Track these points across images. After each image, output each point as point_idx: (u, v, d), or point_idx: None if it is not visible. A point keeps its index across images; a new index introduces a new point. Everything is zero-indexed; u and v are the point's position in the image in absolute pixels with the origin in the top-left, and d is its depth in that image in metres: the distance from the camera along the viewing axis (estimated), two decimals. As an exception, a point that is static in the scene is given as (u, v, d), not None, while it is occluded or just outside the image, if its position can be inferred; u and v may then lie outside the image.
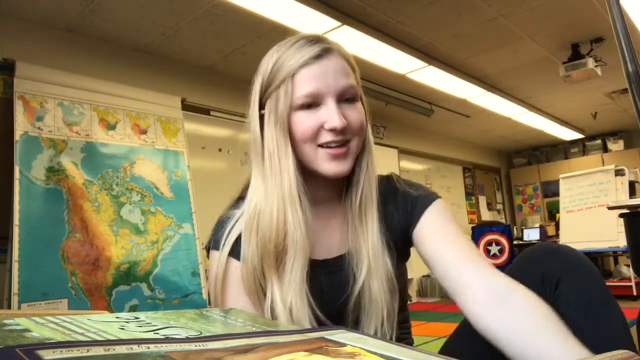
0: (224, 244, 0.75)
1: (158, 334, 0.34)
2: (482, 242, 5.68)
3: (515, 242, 5.85)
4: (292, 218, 0.71)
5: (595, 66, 3.84)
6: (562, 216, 5.43)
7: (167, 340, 0.32)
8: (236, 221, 0.77)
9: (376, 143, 0.83)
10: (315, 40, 0.74)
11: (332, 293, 0.75)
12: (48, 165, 2.51)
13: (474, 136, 6.79)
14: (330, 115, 0.71)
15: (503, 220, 7.43)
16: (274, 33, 3.18)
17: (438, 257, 0.71)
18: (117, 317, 0.39)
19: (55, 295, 2.35)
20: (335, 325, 0.53)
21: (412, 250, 0.83)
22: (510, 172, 8.03)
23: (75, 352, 0.26)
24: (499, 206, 7.66)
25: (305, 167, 0.75)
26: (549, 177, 7.38)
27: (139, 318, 0.39)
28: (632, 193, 4.91)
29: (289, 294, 0.69)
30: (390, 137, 5.51)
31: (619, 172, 5.00)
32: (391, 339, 0.75)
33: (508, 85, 4.73)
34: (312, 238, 0.73)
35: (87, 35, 3.11)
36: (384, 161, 5.23)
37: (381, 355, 0.33)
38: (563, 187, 5.45)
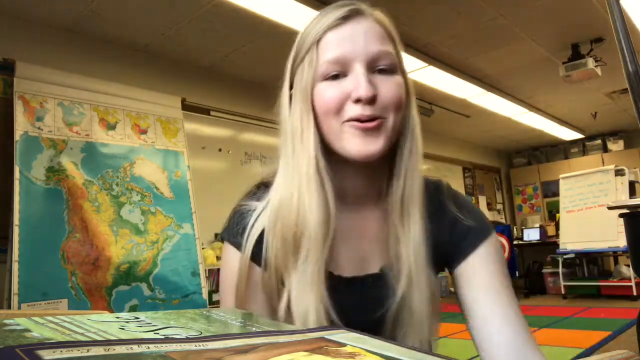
0: (245, 244, 0.64)
1: (158, 334, 0.34)
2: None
3: (515, 242, 5.86)
4: (307, 202, 0.60)
5: (595, 66, 3.84)
6: (562, 216, 5.44)
7: (167, 340, 0.32)
8: (258, 215, 0.65)
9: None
10: (345, 4, 0.64)
11: (361, 311, 0.64)
12: (48, 165, 2.51)
13: (474, 136, 6.79)
14: (356, 82, 0.59)
15: (503, 220, 7.44)
16: (274, 33, 3.18)
17: (481, 320, 0.62)
18: (117, 317, 0.39)
19: (55, 295, 2.35)
20: None
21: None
22: (510, 172, 8.03)
23: (75, 352, 0.26)
24: (499, 206, 7.67)
25: (330, 149, 0.63)
26: (549, 177, 7.39)
27: (139, 318, 0.39)
28: (632, 193, 4.91)
29: (303, 296, 0.60)
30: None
31: (619, 172, 5.00)
32: None
33: (508, 85, 4.73)
34: (335, 230, 0.62)
35: (87, 35, 3.11)
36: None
37: (381, 355, 0.33)
38: (563, 187, 5.46)
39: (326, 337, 0.38)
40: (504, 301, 0.62)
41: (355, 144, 0.60)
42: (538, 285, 5.82)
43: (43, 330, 0.32)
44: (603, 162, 6.70)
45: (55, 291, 2.35)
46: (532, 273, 5.92)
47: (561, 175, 5.61)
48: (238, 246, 0.66)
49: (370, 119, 0.60)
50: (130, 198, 2.78)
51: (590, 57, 3.81)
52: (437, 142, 6.43)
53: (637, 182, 5.18)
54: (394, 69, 0.63)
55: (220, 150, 3.80)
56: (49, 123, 2.61)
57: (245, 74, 3.93)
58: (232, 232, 0.67)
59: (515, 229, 7.05)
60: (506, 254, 5.15)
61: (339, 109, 0.61)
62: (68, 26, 2.99)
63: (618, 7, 0.81)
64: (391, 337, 0.63)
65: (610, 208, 1.55)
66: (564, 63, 3.91)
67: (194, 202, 3.06)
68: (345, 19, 0.62)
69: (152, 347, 0.29)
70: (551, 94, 5.09)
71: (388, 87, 0.61)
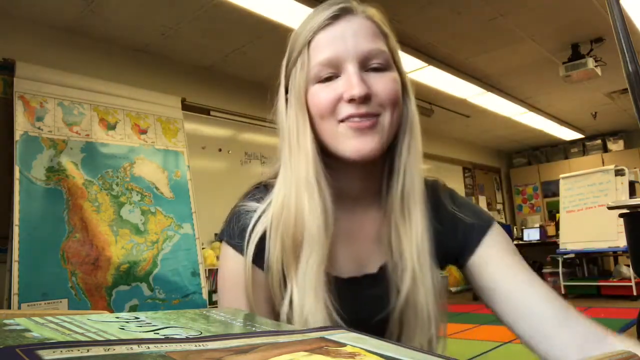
0: (246, 248, 0.63)
1: (158, 334, 0.34)
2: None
3: (515, 242, 5.85)
4: (308, 207, 0.60)
5: (595, 66, 3.84)
6: (562, 216, 5.43)
7: (167, 340, 0.32)
8: (259, 218, 0.65)
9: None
10: (335, 2, 0.63)
11: (364, 312, 0.63)
12: (48, 165, 2.52)
13: (474, 136, 6.79)
14: (349, 82, 0.59)
15: (503, 220, 7.44)
16: (274, 33, 3.18)
17: (513, 301, 0.60)
18: (117, 317, 0.39)
19: (55, 295, 2.35)
20: None
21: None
22: (510, 172, 8.03)
23: (75, 352, 0.26)
24: (499, 206, 7.67)
25: (328, 151, 0.63)
26: (549, 177, 7.39)
27: (139, 318, 0.39)
28: (632, 193, 4.91)
29: (305, 296, 0.59)
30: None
31: (619, 172, 5.00)
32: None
33: (508, 85, 4.73)
34: (333, 232, 0.62)
35: (87, 35, 3.11)
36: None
37: (381, 355, 0.33)
38: (563, 187, 5.45)
39: (326, 337, 0.38)
40: (525, 273, 0.61)
41: (351, 144, 0.60)
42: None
43: (43, 330, 0.32)
44: (603, 162, 6.70)
45: (55, 291, 2.35)
46: (532, 273, 5.91)
47: (561, 175, 5.61)
48: (236, 247, 0.65)
49: (366, 117, 0.59)
50: (130, 198, 2.78)
51: (590, 57, 3.81)
52: (437, 142, 6.43)
53: (637, 182, 5.17)
54: (388, 65, 0.62)
55: (220, 150, 3.80)
56: (49, 123, 2.61)
57: (245, 74, 3.93)
58: (231, 233, 0.66)
59: (515, 229, 7.05)
60: (506, 254, 5.15)
61: (333, 110, 0.60)
62: (68, 26, 2.99)
63: (618, 7, 0.81)
64: (398, 336, 0.63)
65: (610, 208, 1.55)
66: (564, 63, 3.91)
67: (194, 202, 3.06)
68: (334, 18, 0.61)
69: (152, 347, 0.29)
70: (551, 94, 5.09)
71: (382, 84, 0.61)
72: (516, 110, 5.40)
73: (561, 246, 5.28)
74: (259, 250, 0.63)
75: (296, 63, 0.63)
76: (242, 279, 0.63)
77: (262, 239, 0.64)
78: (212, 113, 3.79)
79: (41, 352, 0.25)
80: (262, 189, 0.69)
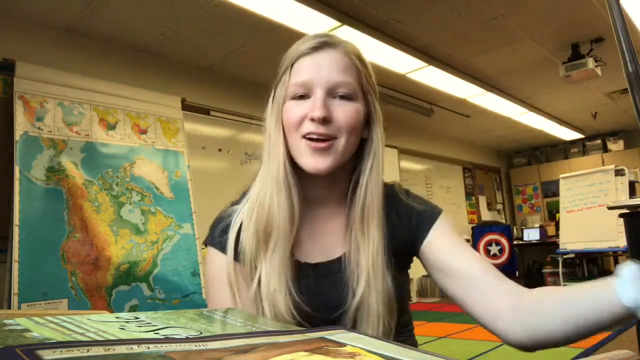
0: (227, 243, 0.73)
1: (158, 334, 0.34)
2: (482, 242, 5.68)
3: (515, 242, 5.86)
4: (276, 203, 0.71)
5: (595, 66, 3.84)
6: (562, 216, 5.43)
7: (167, 340, 0.32)
8: (236, 216, 0.75)
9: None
10: (322, 35, 0.74)
11: (326, 298, 0.72)
12: (48, 165, 2.51)
13: (474, 136, 6.79)
14: (314, 104, 0.69)
15: (503, 220, 7.44)
16: (274, 33, 3.18)
17: (454, 271, 0.72)
18: (117, 317, 0.39)
19: (55, 295, 2.35)
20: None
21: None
22: (510, 172, 8.03)
23: (75, 352, 0.26)
24: (499, 206, 7.67)
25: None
26: (549, 177, 7.39)
27: (139, 318, 0.39)
28: (632, 193, 4.91)
29: (271, 278, 0.69)
30: (390, 137, 5.51)
31: (619, 172, 5.00)
32: None
33: (508, 85, 4.73)
34: (301, 226, 0.73)
35: (87, 35, 3.11)
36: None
37: (381, 355, 0.33)
38: (563, 187, 5.45)
39: (326, 337, 0.38)
40: (467, 252, 0.73)
41: (308, 161, 0.70)
42: (538, 285, 5.79)
43: (43, 330, 0.32)
44: (603, 162, 6.70)
45: (55, 291, 2.35)
46: (532, 273, 5.92)
47: (561, 175, 5.61)
48: (217, 246, 0.75)
49: (322, 139, 0.69)
50: (130, 198, 2.78)
51: (590, 57, 3.81)
52: (437, 142, 6.43)
53: (637, 182, 5.17)
54: (353, 96, 0.72)
55: (220, 150, 3.80)
56: (49, 123, 2.61)
57: (245, 74, 3.93)
58: (214, 236, 0.76)
59: (515, 229, 7.05)
60: (506, 254, 5.16)
61: (298, 126, 0.71)
62: (68, 26, 2.99)
63: (618, 7, 0.81)
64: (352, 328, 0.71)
65: (610, 208, 1.55)
66: (564, 63, 3.91)
67: (194, 202, 3.06)
68: (316, 49, 0.72)
69: (152, 347, 0.29)
70: (551, 94, 5.09)
71: (343, 111, 0.70)
72: (516, 110, 5.40)
73: (561, 246, 5.28)
74: (237, 245, 0.73)
75: (280, 80, 0.74)
76: (225, 275, 0.72)
77: (239, 233, 0.73)
78: (212, 113, 3.79)
79: (41, 352, 0.25)
80: (243, 196, 0.79)
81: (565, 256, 5.33)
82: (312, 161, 0.70)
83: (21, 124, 2.49)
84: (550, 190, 7.36)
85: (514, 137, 7.00)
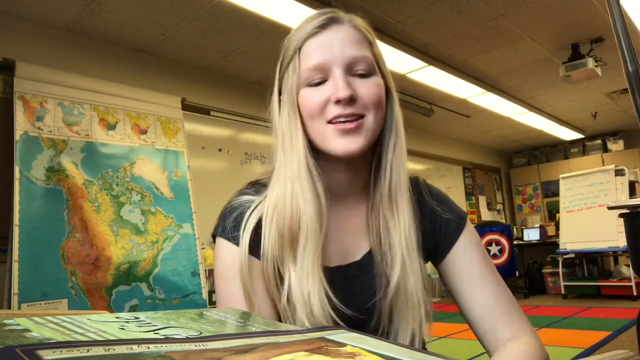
0: (242, 237, 0.67)
1: (158, 334, 0.34)
2: (482, 242, 5.67)
3: (515, 242, 5.86)
4: (303, 199, 0.65)
5: (595, 66, 3.84)
6: (562, 216, 5.44)
7: (167, 340, 0.32)
8: (254, 209, 0.69)
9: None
10: (325, 12, 0.69)
11: (355, 298, 0.68)
12: (48, 165, 2.51)
13: (474, 136, 6.79)
14: (335, 85, 0.64)
15: (503, 220, 7.44)
16: (274, 33, 3.18)
17: (469, 297, 0.69)
18: (117, 317, 0.39)
19: (55, 295, 2.35)
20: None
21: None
22: (510, 172, 8.03)
23: (75, 352, 0.26)
24: (499, 206, 7.67)
25: (318, 149, 0.68)
26: (549, 177, 7.39)
27: (139, 318, 0.39)
28: (632, 193, 4.91)
29: (304, 282, 0.63)
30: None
31: (619, 172, 5.00)
32: (424, 346, 0.71)
33: (508, 85, 4.73)
34: (327, 222, 0.67)
35: (87, 35, 3.11)
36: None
37: (381, 355, 0.33)
38: (563, 187, 5.46)
39: (326, 337, 0.38)
40: (489, 281, 0.69)
41: (339, 143, 0.65)
42: (538, 285, 5.82)
43: (43, 330, 0.32)
44: (603, 162, 6.70)
45: (55, 291, 2.35)
46: (532, 273, 5.92)
47: (561, 175, 5.61)
48: (231, 240, 0.69)
49: (351, 119, 0.64)
50: (130, 198, 2.78)
51: (590, 57, 3.81)
52: (437, 142, 6.43)
53: (637, 182, 5.18)
54: (372, 71, 0.67)
55: (220, 150, 3.80)
56: (49, 123, 2.61)
57: (245, 74, 3.93)
58: (225, 227, 0.70)
59: (515, 229, 7.05)
60: (506, 254, 5.15)
61: (322, 112, 0.65)
62: (68, 26, 2.99)
63: (618, 7, 0.81)
64: (389, 321, 0.68)
65: (610, 208, 1.55)
66: (564, 63, 3.91)
67: (194, 202, 3.06)
68: (323, 27, 0.67)
69: (152, 347, 0.29)
70: (551, 94, 5.09)
71: (366, 88, 0.66)
72: (516, 110, 5.40)
73: (561, 246, 5.28)
74: (252, 240, 0.67)
75: (288, 68, 0.68)
76: (238, 269, 0.66)
77: (256, 230, 0.68)
78: (212, 113, 3.79)
79: (41, 352, 0.25)
80: (257, 187, 0.74)
81: (565, 256, 5.33)
82: (343, 142, 0.65)
83: (21, 124, 2.49)
84: (550, 190, 7.36)
85: (514, 137, 7.00)
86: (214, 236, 0.73)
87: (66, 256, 2.44)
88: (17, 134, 2.45)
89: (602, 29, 3.58)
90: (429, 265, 0.77)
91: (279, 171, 0.69)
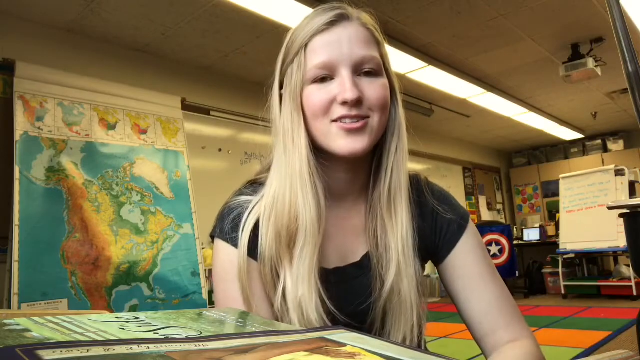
0: (240, 238, 0.66)
1: (158, 334, 0.34)
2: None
3: (515, 242, 5.86)
4: (302, 200, 0.64)
5: (595, 66, 3.84)
6: (562, 216, 5.44)
7: (167, 340, 0.32)
8: (252, 210, 0.68)
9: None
10: (333, 7, 0.67)
11: (351, 299, 0.67)
12: (48, 165, 2.51)
13: (474, 136, 6.79)
14: (342, 86, 0.63)
15: (503, 220, 7.44)
16: (274, 33, 3.18)
17: (468, 298, 0.68)
18: (117, 317, 0.39)
19: (55, 295, 2.35)
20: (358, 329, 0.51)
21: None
22: (510, 172, 8.03)
23: (75, 352, 0.26)
24: (499, 206, 7.67)
25: (320, 148, 0.67)
26: (549, 177, 7.39)
27: (139, 318, 0.39)
28: (632, 193, 4.91)
29: (299, 284, 0.62)
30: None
31: (619, 172, 5.00)
32: (419, 345, 0.71)
33: (508, 85, 4.73)
34: (325, 223, 0.66)
35: (87, 35, 3.11)
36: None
37: (381, 355, 0.33)
38: (563, 187, 5.45)
39: (326, 337, 0.38)
40: (489, 284, 0.69)
41: (343, 143, 0.64)
42: (538, 285, 5.82)
43: (43, 330, 0.32)
44: (603, 162, 6.70)
45: (55, 291, 2.35)
46: (532, 273, 5.92)
47: (561, 175, 5.61)
48: (229, 241, 0.68)
49: (356, 119, 0.63)
50: (130, 198, 2.78)
51: (590, 57, 3.81)
52: (437, 142, 6.43)
53: (637, 182, 5.18)
54: (379, 71, 0.66)
55: (220, 150, 3.80)
56: (49, 123, 2.61)
57: (245, 74, 3.93)
58: (223, 228, 0.69)
59: (515, 229, 7.05)
60: (506, 254, 5.15)
61: (326, 111, 0.64)
62: (68, 26, 2.99)
63: (618, 7, 0.81)
64: (382, 323, 0.67)
65: (610, 208, 1.55)
66: (564, 63, 3.91)
67: (194, 202, 3.06)
68: (331, 23, 0.65)
69: (152, 347, 0.29)
70: (551, 93, 5.09)
71: (373, 89, 0.65)
72: (516, 110, 5.40)
73: (561, 246, 5.28)
74: (251, 242, 0.66)
75: (292, 63, 0.66)
76: (236, 272, 0.66)
77: (254, 231, 0.67)
78: (212, 113, 3.79)
79: (41, 352, 0.25)
80: (252, 186, 0.73)
81: (565, 256, 5.33)
82: (348, 142, 0.64)
83: (21, 124, 2.49)
84: (550, 190, 7.36)
85: (514, 137, 7.00)
86: (212, 237, 0.73)
87: (66, 256, 2.44)
88: (17, 134, 2.45)
89: (602, 29, 3.58)
90: (429, 265, 0.77)
91: (279, 169, 0.67)
